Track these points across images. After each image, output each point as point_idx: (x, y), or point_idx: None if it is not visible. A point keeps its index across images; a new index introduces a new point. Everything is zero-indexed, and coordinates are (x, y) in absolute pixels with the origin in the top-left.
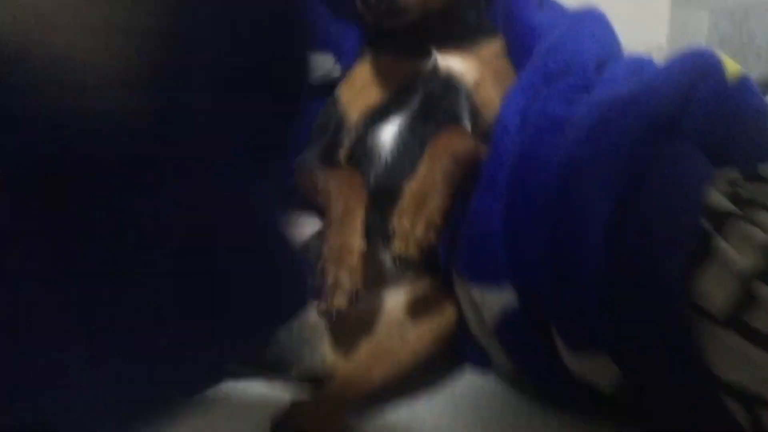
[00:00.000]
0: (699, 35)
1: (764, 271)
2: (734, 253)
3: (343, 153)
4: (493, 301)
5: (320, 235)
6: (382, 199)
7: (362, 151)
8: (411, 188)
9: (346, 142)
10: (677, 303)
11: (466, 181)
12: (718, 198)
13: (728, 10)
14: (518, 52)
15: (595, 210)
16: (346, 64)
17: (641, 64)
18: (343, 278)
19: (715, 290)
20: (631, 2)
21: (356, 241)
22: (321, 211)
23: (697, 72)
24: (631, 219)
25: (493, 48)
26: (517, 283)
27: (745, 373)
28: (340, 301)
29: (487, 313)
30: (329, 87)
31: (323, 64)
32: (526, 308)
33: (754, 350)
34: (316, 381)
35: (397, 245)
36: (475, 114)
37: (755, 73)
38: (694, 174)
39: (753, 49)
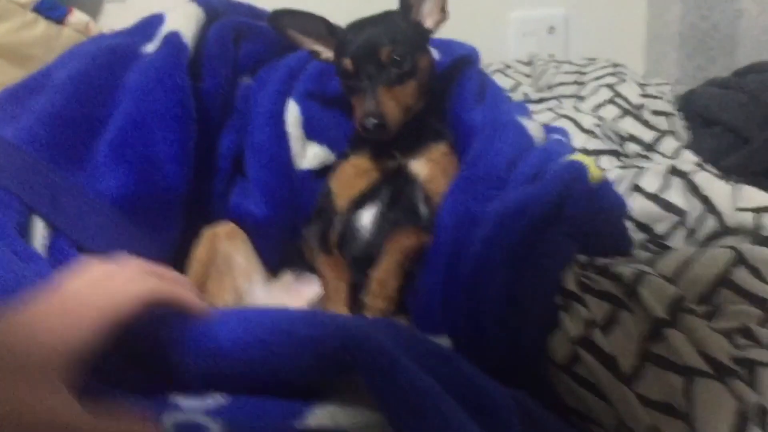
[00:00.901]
0: (672, 24)
1: (584, 339)
2: (570, 325)
3: (334, 234)
4: None
5: (318, 303)
6: (364, 266)
7: (348, 230)
8: (375, 276)
9: (338, 225)
10: (537, 356)
11: (415, 264)
12: (569, 280)
13: (696, 1)
14: (460, 145)
15: (493, 291)
16: (339, 150)
17: (544, 157)
18: None
19: (559, 349)
20: None
21: (343, 310)
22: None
23: (570, 179)
24: (514, 296)
25: (440, 149)
26: (451, 334)
27: (578, 402)
28: None
29: None
30: (327, 169)
31: (321, 153)
32: (456, 348)
33: (580, 389)
34: None
35: (368, 315)
36: (427, 201)
37: (718, 65)
38: (559, 260)
39: (716, 39)
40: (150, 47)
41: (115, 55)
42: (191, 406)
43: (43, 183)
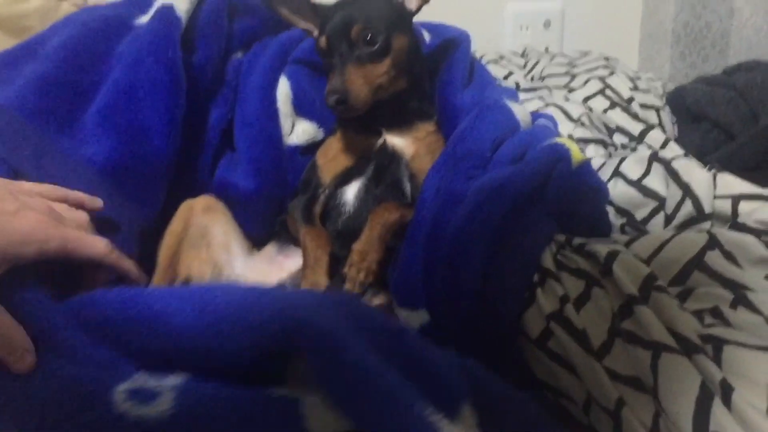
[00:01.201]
0: (666, 22)
1: (557, 315)
2: (544, 301)
3: (318, 207)
4: (414, 318)
5: (300, 273)
6: (347, 239)
7: (333, 204)
8: (357, 248)
9: (322, 198)
10: (511, 331)
11: (397, 238)
12: (547, 258)
13: (691, 0)
14: (447, 126)
15: (470, 265)
16: (327, 128)
17: (528, 140)
18: None
19: (533, 324)
20: None
21: (322, 280)
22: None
23: (552, 159)
24: (492, 272)
25: (426, 128)
26: (429, 307)
27: (550, 376)
28: None
29: (411, 326)
30: (314, 146)
31: (309, 130)
32: (434, 323)
33: (552, 363)
34: None
35: (348, 286)
36: (411, 178)
37: (710, 63)
38: (537, 238)
39: (709, 38)
40: (143, 19)
41: (108, 24)
42: (145, 377)
43: (28, 146)
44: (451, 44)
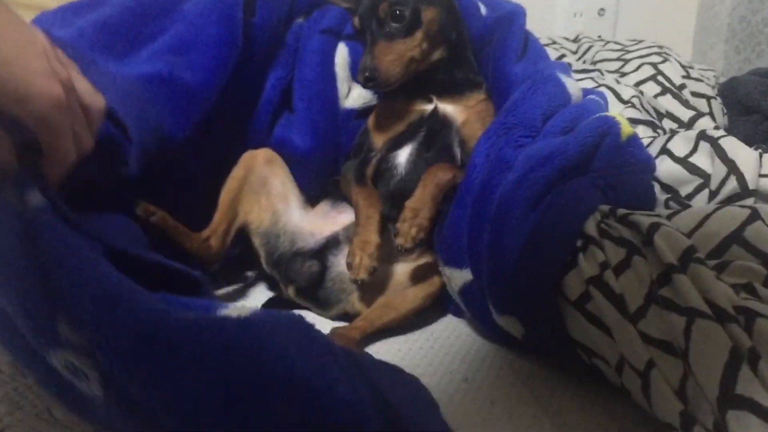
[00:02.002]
0: (722, 15)
1: (597, 279)
2: (586, 265)
3: (370, 169)
4: (458, 277)
5: (352, 229)
6: (398, 200)
7: (385, 167)
8: (409, 205)
9: (374, 161)
10: (551, 292)
11: (447, 199)
12: (590, 226)
13: None
14: (499, 95)
15: (516, 229)
16: (381, 94)
17: (579, 113)
18: (365, 260)
19: (573, 286)
20: None
21: (374, 237)
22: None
23: (601, 132)
24: (535, 236)
25: (476, 97)
26: (473, 267)
27: (585, 337)
28: (363, 274)
29: (454, 284)
30: (368, 111)
31: (364, 94)
32: (477, 282)
33: (588, 325)
34: (347, 318)
35: (400, 240)
36: (462, 144)
37: (765, 59)
38: (581, 206)
39: (765, 34)
40: None
41: None
42: None
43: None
44: (507, 17)
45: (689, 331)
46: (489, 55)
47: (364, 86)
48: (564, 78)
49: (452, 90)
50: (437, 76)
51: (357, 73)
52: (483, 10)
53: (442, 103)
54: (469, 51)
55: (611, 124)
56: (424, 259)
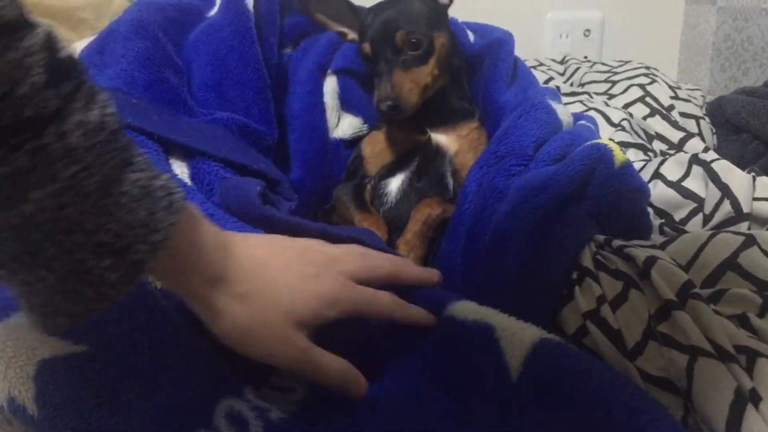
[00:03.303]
0: (707, 34)
1: (593, 313)
2: (582, 299)
3: (367, 195)
4: None
5: None
6: (388, 226)
7: (376, 194)
8: (400, 245)
9: (369, 187)
10: (547, 326)
11: (438, 231)
12: (586, 257)
13: (733, 12)
14: (490, 123)
15: (511, 261)
16: (371, 123)
17: (571, 140)
18: None
19: (570, 320)
20: (647, 2)
21: None
22: None
23: (594, 159)
24: (530, 267)
25: (469, 126)
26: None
27: None
28: None
29: None
30: (358, 140)
31: (355, 123)
32: None
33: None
34: None
35: None
36: (455, 174)
37: (751, 77)
38: (577, 236)
39: (750, 52)
40: (212, 12)
41: (184, 13)
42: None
43: (153, 114)
44: (496, 43)
45: (692, 370)
46: (478, 83)
47: (387, 115)
48: (554, 104)
49: (446, 119)
50: (434, 104)
51: (377, 102)
52: (471, 36)
53: (435, 133)
54: (465, 79)
55: (604, 152)
56: None
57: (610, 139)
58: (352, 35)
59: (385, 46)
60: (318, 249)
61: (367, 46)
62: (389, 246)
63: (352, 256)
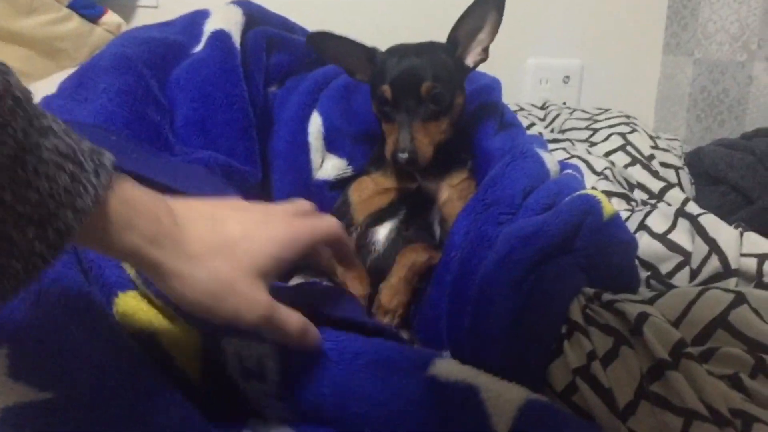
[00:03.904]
0: (683, 85)
1: (583, 369)
2: (571, 354)
3: (354, 245)
4: None
5: None
6: (374, 277)
7: (363, 242)
8: (384, 290)
9: (354, 235)
10: (536, 381)
11: (424, 279)
12: (575, 311)
13: (709, 64)
14: (477, 170)
15: (499, 312)
16: (356, 166)
17: (558, 189)
18: None
19: (559, 376)
20: (626, 50)
21: None
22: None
23: (583, 210)
24: (519, 320)
25: (460, 175)
26: (453, 350)
27: None
28: None
29: None
30: (341, 182)
31: (339, 165)
32: None
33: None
34: None
35: None
36: (442, 222)
37: (726, 128)
38: (565, 289)
39: (726, 103)
40: (198, 48)
41: (169, 49)
42: None
43: (137, 156)
44: (484, 90)
45: None
46: (466, 128)
47: (403, 166)
48: (542, 153)
49: (439, 167)
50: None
51: (393, 152)
52: None
53: (425, 181)
54: (463, 131)
55: (593, 203)
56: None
57: (593, 188)
58: (361, 76)
59: (407, 94)
60: (257, 204)
61: (387, 90)
62: (373, 293)
63: (287, 203)
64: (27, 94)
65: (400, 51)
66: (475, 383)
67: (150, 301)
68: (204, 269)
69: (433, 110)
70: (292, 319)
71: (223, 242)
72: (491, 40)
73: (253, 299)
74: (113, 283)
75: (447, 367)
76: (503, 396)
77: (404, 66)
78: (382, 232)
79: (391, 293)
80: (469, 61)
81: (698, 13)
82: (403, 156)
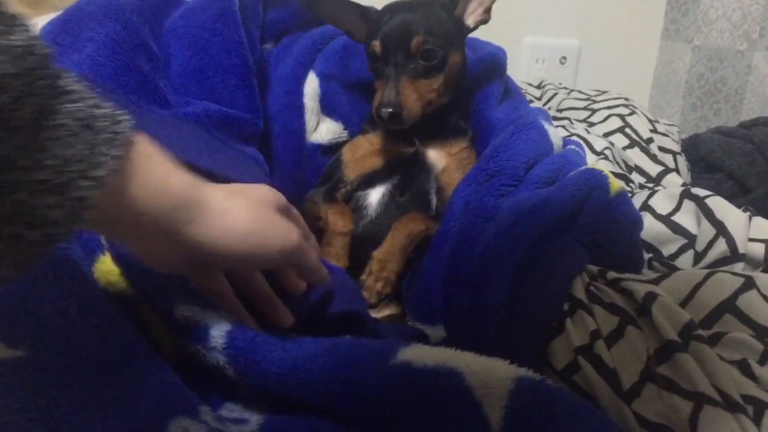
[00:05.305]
0: (680, 72)
1: (586, 348)
2: (574, 332)
3: (339, 195)
4: (430, 334)
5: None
6: (365, 245)
7: (354, 206)
8: (377, 255)
9: (343, 190)
10: (533, 359)
11: (419, 250)
12: (578, 288)
13: (708, 52)
14: (479, 140)
15: (498, 285)
16: (352, 131)
17: (562, 163)
18: None
19: (559, 355)
20: (624, 33)
21: (342, 262)
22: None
23: (589, 185)
24: (518, 295)
25: (460, 144)
26: (448, 324)
27: None
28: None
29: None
30: (336, 147)
31: (334, 129)
32: (450, 339)
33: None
34: None
35: (365, 294)
36: (439, 191)
37: (722, 117)
38: (568, 265)
39: (723, 93)
40: None
41: None
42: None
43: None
44: (488, 59)
45: (696, 418)
46: (470, 97)
47: (386, 123)
48: (546, 125)
49: (438, 134)
50: (430, 119)
51: (377, 107)
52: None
53: (424, 147)
54: (466, 98)
55: (600, 178)
56: (388, 311)
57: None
58: (359, 35)
59: (397, 48)
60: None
61: (377, 44)
62: (362, 265)
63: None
64: (50, 52)
65: (395, 6)
66: (456, 366)
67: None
68: (243, 203)
69: (424, 66)
70: (313, 252)
71: (248, 188)
72: (493, 0)
73: (288, 226)
74: (96, 244)
75: (419, 352)
76: (492, 378)
77: (396, 20)
78: (375, 195)
79: (384, 260)
80: (470, 21)
81: (699, 0)
82: (387, 110)
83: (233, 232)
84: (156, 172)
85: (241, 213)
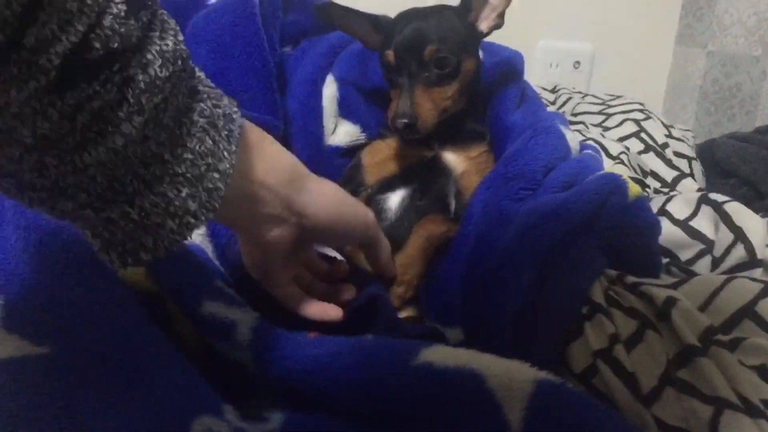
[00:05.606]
0: (695, 77)
1: (605, 352)
2: (593, 336)
3: (360, 200)
4: (448, 335)
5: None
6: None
7: (374, 209)
8: (398, 260)
9: (363, 194)
10: (552, 361)
11: (439, 252)
12: (596, 292)
13: (723, 57)
14: (497, 145)
15: (517, 288)
16: (370, 134)
17: (580, 167)
18: None
19: (578, 358)
20: (639, 38)
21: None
22: None
23: (607, 190)
24: (537, 298)
25: (479, 148)
26: (466, 327)
27: None
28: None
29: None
30: (354, 150)
31: (352, 131)
32: (468, 341)
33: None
34: None
35: None
36: (458, 195)
37: (736, 123)
38: (587, 269)
39: (738, 98)
40: None
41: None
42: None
43: None
44: (505, 62)
45: (716, 423)
46: (486, 101)
47: (402, 133)
48: (564, 129)
49: (456, 139)
50: (448, 124)
51: (392, 117)
52: (480, 54)
53: (442, 151)
54: (483, 103)
55: (618, 183)
56: (406, 313)
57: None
58: (373, 45)
59: (410, 58)
60: None
61: (390, 54)
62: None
63: None
64: (188, 53)
65: (408, 15)
66: (478, 368)
67: None
68: (326, 184)
69: (438, 74)
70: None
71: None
72: (506, 4)
73: (363, 206)
74: None
75: (441, 353)
76: (512, 380)
77: (409, 29)
78: (395, 199)
79: (406, 264)
80: (483, 26)
81: (714, 5)
82: (402, 121)
83: (331, 201)
84: (269, 152)
85: (331, 187)
